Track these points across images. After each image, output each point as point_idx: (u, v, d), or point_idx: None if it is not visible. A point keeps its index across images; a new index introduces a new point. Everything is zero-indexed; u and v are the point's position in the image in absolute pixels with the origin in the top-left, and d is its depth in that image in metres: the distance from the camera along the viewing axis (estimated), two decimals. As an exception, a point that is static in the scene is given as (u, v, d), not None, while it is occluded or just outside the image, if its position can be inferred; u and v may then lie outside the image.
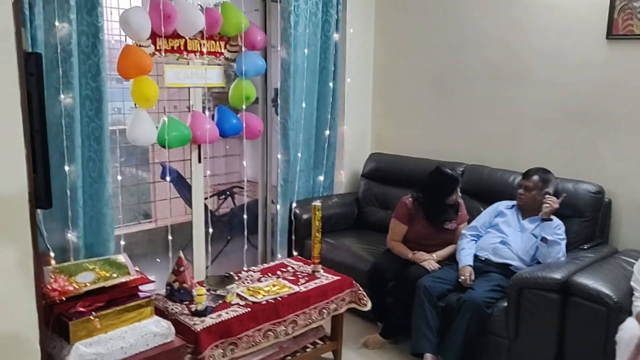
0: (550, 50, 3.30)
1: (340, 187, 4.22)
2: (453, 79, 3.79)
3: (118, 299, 1.95)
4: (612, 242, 3.11)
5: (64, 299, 1.83)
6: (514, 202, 3.09)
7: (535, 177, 2.94)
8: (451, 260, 3.12)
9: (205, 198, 3.47)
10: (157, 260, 4.15)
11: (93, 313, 1.88)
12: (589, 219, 3.03)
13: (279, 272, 2.91)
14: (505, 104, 3.54)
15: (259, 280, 2.79)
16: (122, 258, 2.12)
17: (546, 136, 3.38)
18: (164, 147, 2.95)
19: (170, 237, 3.13)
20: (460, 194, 3.19)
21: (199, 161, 3.42)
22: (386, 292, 3.09)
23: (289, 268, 2.99)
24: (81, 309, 1.87)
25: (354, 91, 4.13)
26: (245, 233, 3.54)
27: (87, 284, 1.91)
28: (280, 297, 2.56)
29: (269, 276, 2.84)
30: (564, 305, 2.52)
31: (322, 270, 2.91)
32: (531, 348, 2.63)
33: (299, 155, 3.76)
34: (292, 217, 3.75)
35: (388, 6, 4.13)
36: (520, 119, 3.49)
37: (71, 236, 2.73)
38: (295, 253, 3.65)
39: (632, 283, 2.42)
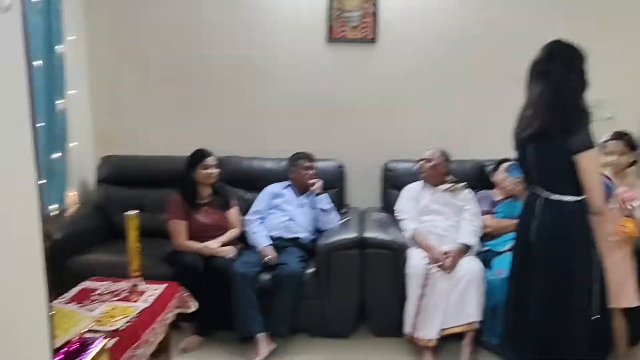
0: (286, 49, 3.79)
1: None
2: (195, 73, 3.85)
3: (71, 352, 1.43)
4: (352, 204, 3.85)
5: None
6: (288, 183, 3.49)
7: (313, 159, 3.43)
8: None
9: None
10: None
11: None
12: (338, 189, 3.69)
13: (94, 297, 2.50)
14: (250, 97, 3.86)
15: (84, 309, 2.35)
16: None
17: (286, 124, 3.87)
18: None
19: None
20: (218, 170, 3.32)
21: None
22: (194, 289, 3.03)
23: (99, 290, 2.59)
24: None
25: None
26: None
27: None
28: (134, 317, 2.26)
29: (87, 303, 2.42)
30: (362, 258, 3.09)
31: (144, 283, 2.65)
32: (341, 302, 3.12)
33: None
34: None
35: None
36: (262, 110, 3.88)
37: None
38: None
39: (396, 214, 3.22)
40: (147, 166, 3.77)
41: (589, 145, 2.03)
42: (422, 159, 3.37)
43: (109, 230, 3.64)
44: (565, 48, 2.14)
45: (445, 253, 2.99)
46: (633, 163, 2.77)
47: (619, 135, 2.74)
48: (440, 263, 2.95)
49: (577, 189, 2.11)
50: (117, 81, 3.92)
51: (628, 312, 2.73)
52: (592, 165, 2.06)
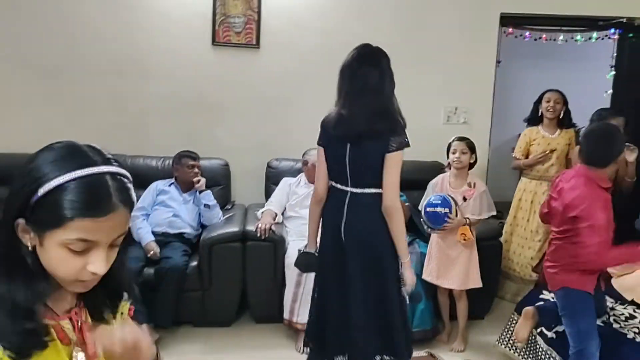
0: (168, 51, 3.88)
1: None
2: (71, 72, 3.82)
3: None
4: (237, 200, 4.03)
5: None
6: (171, 180, 3.59)
7: (196, 158, 3.56)
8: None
9: None
10: None
11: None
12: (224, 187, 3.86)
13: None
14: (130, 96, 3.90)
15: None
16: None
17: (171, 123, 3.97)
18: None
19: None
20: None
21: None
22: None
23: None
24: None
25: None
26: None
27: None
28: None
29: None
30: (244, 250, 3.29)
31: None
32: (222, 292, 3.30)
33: None
34: None
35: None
36: (146, 109, 3.94)
37: None
38: None
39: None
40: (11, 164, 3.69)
41: (405, 145, 2.24)
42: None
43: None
44: (376, 52, 2.31)
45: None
46: (472, 165, 3.22)
47: (461, 138, 3.19)
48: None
49: (381, 183, 2.27)
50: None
51: (469, 292, 3.21)
52: (399, 163, 2.25)
